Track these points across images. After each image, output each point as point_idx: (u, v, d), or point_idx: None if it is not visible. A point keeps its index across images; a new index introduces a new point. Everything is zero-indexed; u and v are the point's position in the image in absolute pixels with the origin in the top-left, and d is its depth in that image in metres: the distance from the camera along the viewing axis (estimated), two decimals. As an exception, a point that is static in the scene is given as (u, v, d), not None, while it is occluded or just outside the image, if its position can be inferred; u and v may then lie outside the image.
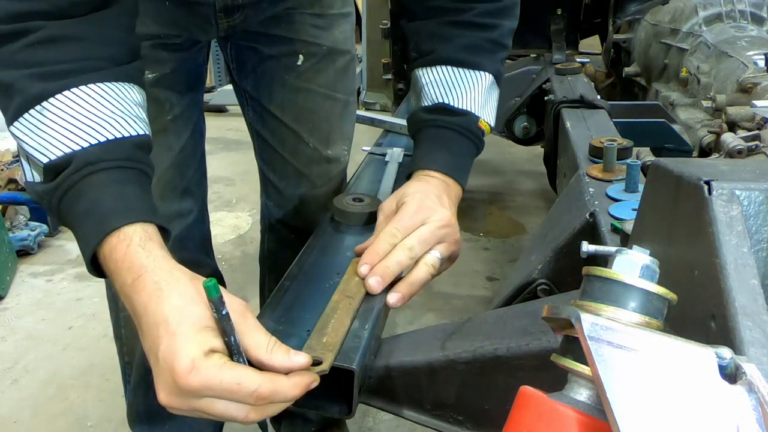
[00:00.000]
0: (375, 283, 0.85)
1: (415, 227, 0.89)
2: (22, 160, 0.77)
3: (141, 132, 0.76)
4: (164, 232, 0.74)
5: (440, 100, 1.02)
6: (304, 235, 1.08)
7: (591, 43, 3.05)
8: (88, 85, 0.73)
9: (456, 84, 1.01)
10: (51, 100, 0.71)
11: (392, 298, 0.86)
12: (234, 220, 3.07)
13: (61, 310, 2.41)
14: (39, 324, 2.33)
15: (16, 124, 0.73)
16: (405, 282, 0.88)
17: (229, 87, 4.51)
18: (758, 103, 1.48)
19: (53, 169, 0.72)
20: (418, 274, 0.88)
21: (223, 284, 1.39)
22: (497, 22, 1.03)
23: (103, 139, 0.72)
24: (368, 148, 1.47)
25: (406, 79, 2.86)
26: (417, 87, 1.06)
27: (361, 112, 1.62)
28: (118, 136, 0.73)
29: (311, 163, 1.32)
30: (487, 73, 1.02)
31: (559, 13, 2.65)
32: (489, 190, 3.32)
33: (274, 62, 1.25)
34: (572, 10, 2.72)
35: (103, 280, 0.77)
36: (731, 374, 0.43)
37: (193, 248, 1.24)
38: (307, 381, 0.66)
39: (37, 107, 0.71)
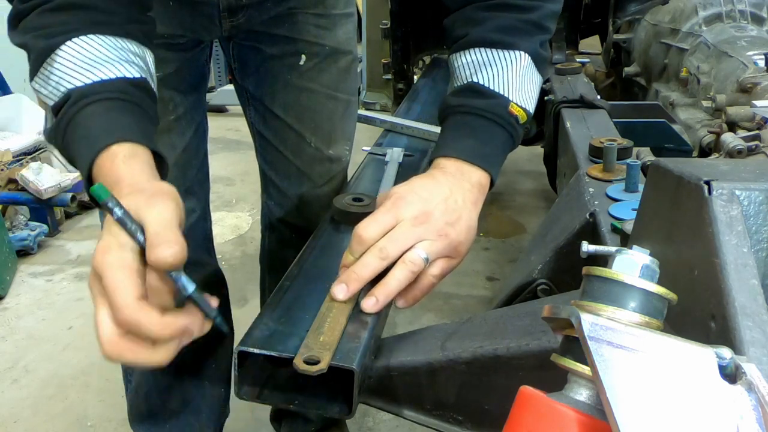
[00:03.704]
0: (338, 291, 0.80)
1: (390, 227, 0.82)
2: (45, 112, 0.85)
3: (138, 75, 0.81)
4: (160, 160, 0.79)
5: (470, 80, 0.94)
6: (305, 235, 1.08)
7: (591, 43, 3.05)
8: (89, 36, 0.80)
9: (488, 63, 0.94)
10: (57, 51, 0.79)
11: (366, 303, 0.80)
12: (234, 220, 3.07)
13: (61, 310, 2.41)
14: (39, 324, 2.33)
15: (35, 78, 0.82)
16: (380, 284, 0.81)
17: (229, 87, 4.53)
18: (758, 103, 1.48)
19: (56, 109, 0.80)
20: (393, 275, 0.81)
21: (224, 283, 1.39)
22: (537, 4, 0.96)
23: (97, 79, 0.79)
24: (368, 148, 1.47)
25: (406, 79, 2.86)
26: (451, 74, 1.00)
27: (361, 112, 1.62)
28: (112, 76, 0.79)
29: (313, 163, 1.33)
30: (523, 53, 0.94)
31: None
32: (489, 190, 3.31)
33: (277, 62, 1.25)
34: (572, 10, 2.72)
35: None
36: (731, 374, 0.43)
37: (194, 247, 1.24)
38: (180, 324, 0.66)
39: (48, 60, 0.80)
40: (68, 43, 0.79)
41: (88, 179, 0.75)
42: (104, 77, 0.79)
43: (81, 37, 0.80)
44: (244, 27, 1.18)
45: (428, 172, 0.91)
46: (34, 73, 0.82)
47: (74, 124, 0.77)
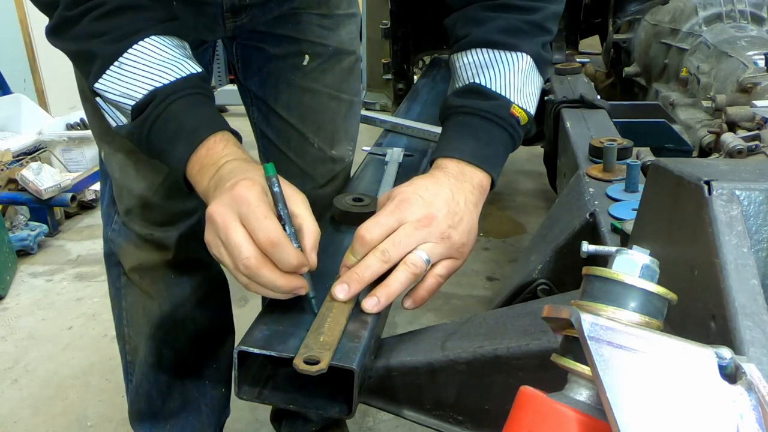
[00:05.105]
0: (339, 291, 0.80)
1: (392, 229, 0.82)
2: (108, 109, 0.91)
3: (200, 70, 0.90)
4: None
5: (472, 81, 0.95)
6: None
7: (591, 43, 3.05)
8: (151, 37, 0.87)
9: (489, 65, 0.94)
10: (125, 54, 0.86)
11: (367, 303, 0.80)
12: (234, 220, 3.07)
13: (61, 310, 2.41)
14: (39, 324, 2.33)
15: (100, 80, 0.87)
16: (381, 285, 0.81)
17: (229, 87, 4.54)
18: (758, 103, 1.48)
19: (140, 107, 0.86)
20: (395, 276, 0.81)
21: (226, 283, 1.38)
22: (539, 5, 0.96)
23: (173, 78, 0.87)
24: (368, 148, 1.47)
25: (406, 79, 2.86)
26: (452, 74, 1.01)
27: (361, 112, 1.62)
28: (186, 73, 0.88)
29: (316, 163, 1.32)
30: (524, 55, 0.94)
31: (559, 13, 2.65)
32: (489, 190, 3.31)
33: (280, 62, 1.25)
34: (572, 10, 2.73)
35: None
36: (731, 374, 0.43)
37: (197, 247, 1.24)
38: (309, 261, 0.78)
39: (116, 63, 0.86)
40: (135, 46, 0.86)
41: (185, 166, 0.85)
42: (180, 75, 0.87)
43: (146, 39, 0.87)
44: (247, 27, 1.18)
45: (430, 173, 0.91)
46: (99, 75, 0.87)
47: (163, 120, 0.86)
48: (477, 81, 0.94)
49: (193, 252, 1.22)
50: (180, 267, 1.24)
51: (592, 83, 2.19)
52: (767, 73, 1.61)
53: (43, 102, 4.18)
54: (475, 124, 0.93)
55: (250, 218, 0.74)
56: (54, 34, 0.90)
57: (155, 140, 0.87)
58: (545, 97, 1.94)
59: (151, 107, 0.86)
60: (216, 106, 0.93)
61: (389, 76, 2.94)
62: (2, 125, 3.64)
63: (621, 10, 2.63)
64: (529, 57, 0.95)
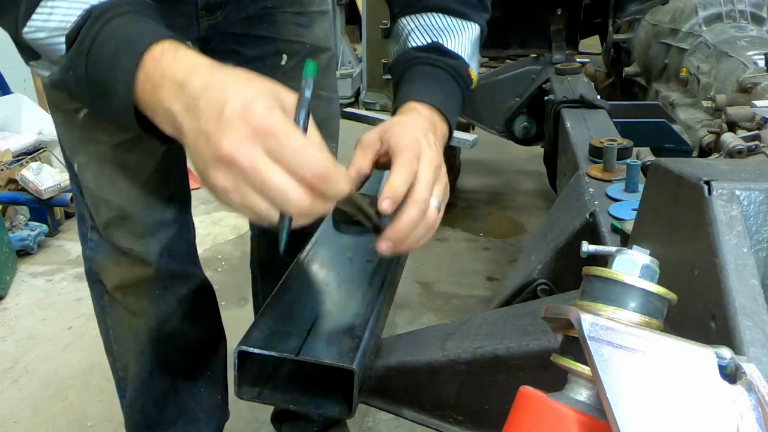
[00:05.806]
0: (386, 205, 0.76)
1: (416, 171, 0.79)
2: (39, 65, 0.78)
3: None
4: None
5: (434, 40, 0.99)
6: (296, 236, 1.07)
7: (591, 43, 3.06)
8: None
9: (448, 29, 0.99)
10: None
11: (383, 245, 0.78)
12: (234, 220, 3.07)
13: (61, 310, 2.41)
14: (39, 324, 2.33)
15: (29, 23, 0.73)
16: (391, 226, 0.78)
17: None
18: (758, 103, 1.48)
19: (74, 33, 0.72)
20: (408, 213, 0.78)
21: (213, 295, 1.36)
22: None
23: None
24: (368, 148, 1.47)
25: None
26: (402, 34, 1.02)
27: (361, 111, 1.62)
28: None
29: None
30: (475, 25, 1.01)
31: (559, 13, 2.65)
32: (489, 190, 3.32)
33: (259, 64, 1.23)
34: (572, 10, 2.73)
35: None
36: (731, 374, 0.43)
37: (180, 259, 1.23)
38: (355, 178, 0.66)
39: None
40: None
41: (132, 81, 0.70)
42: None
43: None
44: (221, 27, 1.16)
45: (410, 115, 0.90)
46: (27, 18, 0.73)
47: (102, 40, 0.71)
48: (439, 41, 0.99)
49: (174, 265, 1.20)
50: (163, 282, 1.21)
51: (592, 83, 2.19)
52: (767, 73, 1.61)
53: (43, 102, 4.18)
54: (441, 77, 0.97)
55: (286, 154, 0.61)
56: None
57: (94, 66, 0.72)
58: (545, 97, 1.94)
59: (86, 28, 0.71)
60: (164, 25, 0.77)
61: (389, 76, 2.94)
62: (2, 125, 3.64)
63: (621, 10, 2.63)
64: (478, 27, 1.01)
